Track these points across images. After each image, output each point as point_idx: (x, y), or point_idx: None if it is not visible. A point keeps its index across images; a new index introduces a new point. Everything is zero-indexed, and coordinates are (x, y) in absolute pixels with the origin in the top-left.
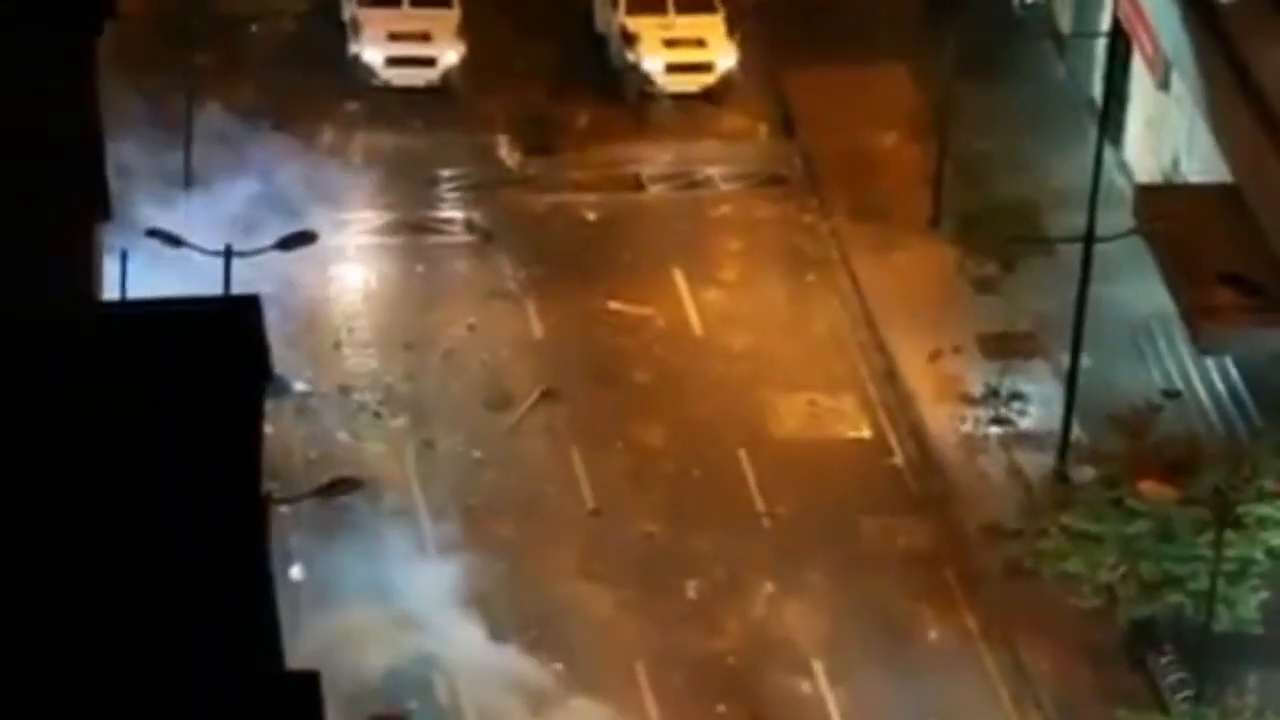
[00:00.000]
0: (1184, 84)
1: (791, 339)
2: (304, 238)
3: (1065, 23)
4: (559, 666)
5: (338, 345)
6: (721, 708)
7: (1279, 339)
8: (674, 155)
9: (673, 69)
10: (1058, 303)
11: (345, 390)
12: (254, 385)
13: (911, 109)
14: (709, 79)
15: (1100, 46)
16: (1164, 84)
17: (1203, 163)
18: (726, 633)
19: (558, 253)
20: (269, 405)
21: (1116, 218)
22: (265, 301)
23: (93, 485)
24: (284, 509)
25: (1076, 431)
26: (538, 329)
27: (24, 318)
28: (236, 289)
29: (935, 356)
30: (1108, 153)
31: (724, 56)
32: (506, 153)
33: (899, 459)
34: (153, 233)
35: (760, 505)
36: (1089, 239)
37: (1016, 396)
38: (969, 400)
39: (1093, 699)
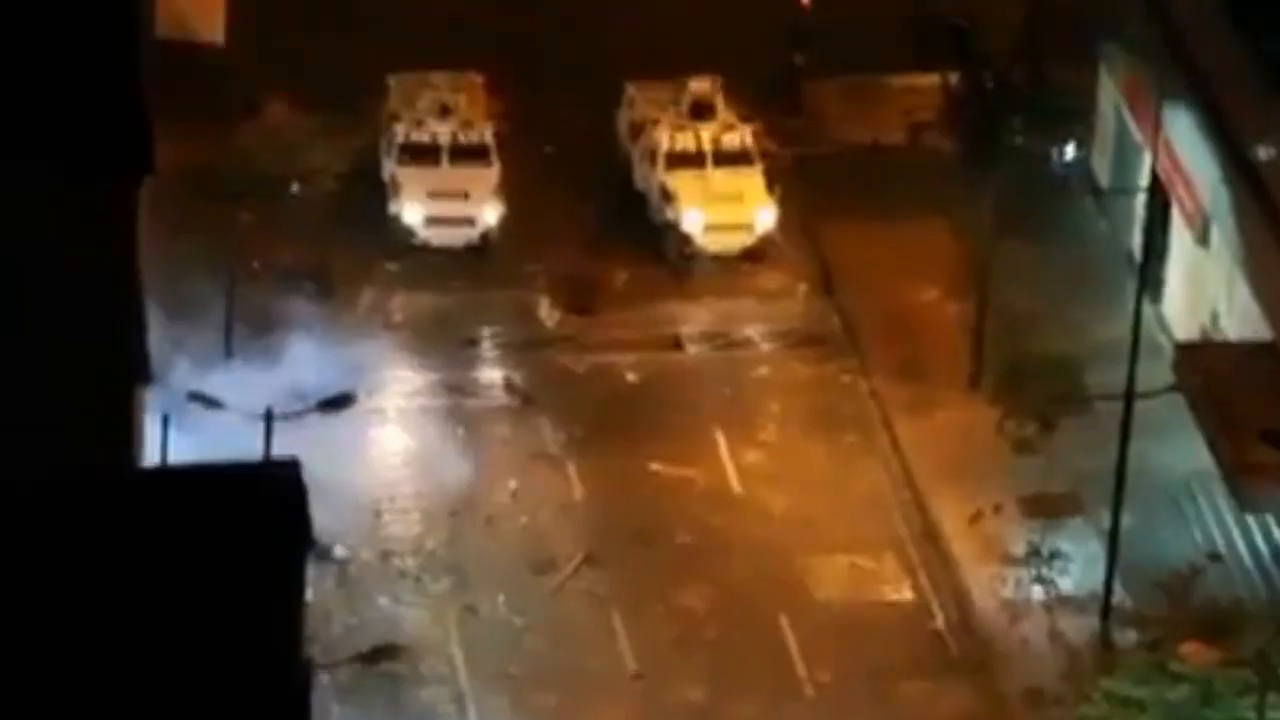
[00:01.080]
0: (1223, 239)
1: (832, 500)
2: (344, 400)
3: (1104, 178)
4: None
5: (379, 512)
6: None
7: None
8: (713, 314)
9: (712, 227)
10: (1098, 461)
11: (386, 555)
12: (294, 551)
13: (951, 265)
14: (748, 237)
15: (1140, 202)
16: (1203, 239)
17: (1242, 319)
18: None
19: (598, 414)
20: (309, 571)
21: (1156, 374)
22: (305, 465)
23: (134, 652)
24: (325, 676)
25: (1119, 593)
26: (579, 491)
27: (65, 482)
28: (277, 452)
29: (976, 517)
30: (1147, 308)
31: (763, 215)
32: (546, 312)
33: (940, 622)
34: (194, 396)
35: (802, 670)
36: (1129, 397)
37: (1058, 556)
38: (1010, 561)
39: None
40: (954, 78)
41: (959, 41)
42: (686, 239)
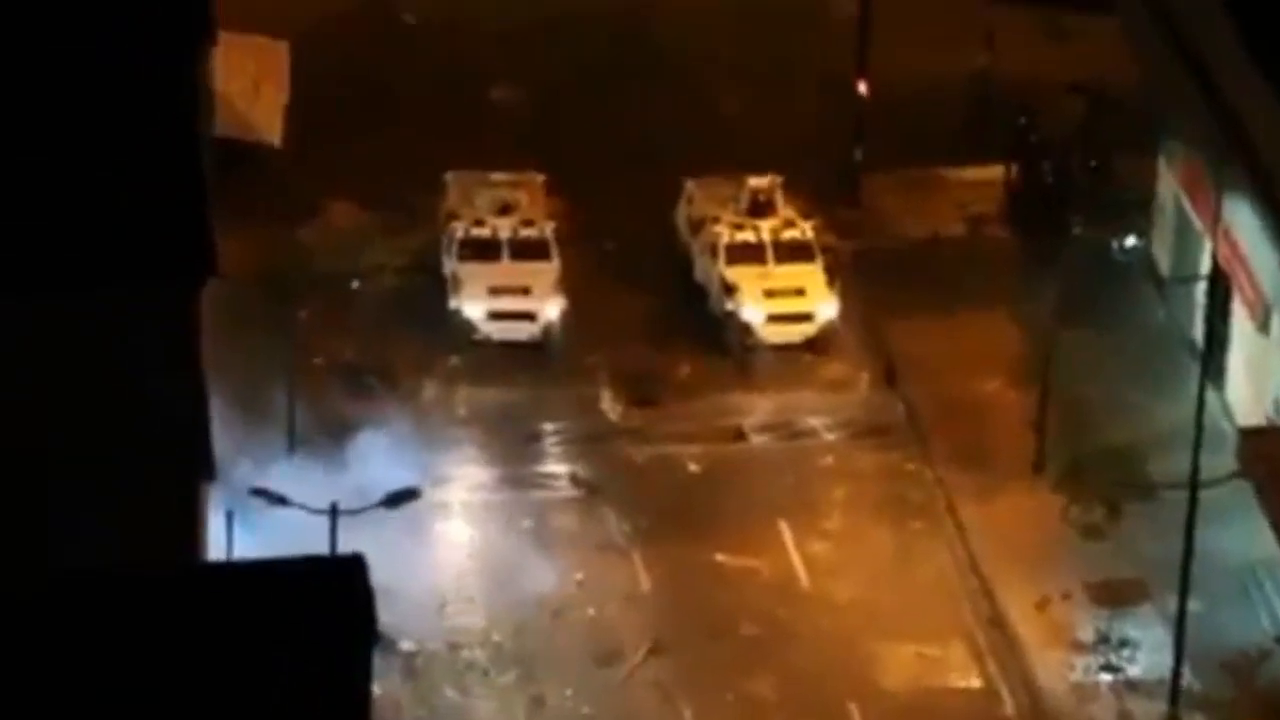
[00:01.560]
0: None
1: (898, 588)
2: (409, 495)
3: (1165, 266)
4: None
5: (445, 605)
6: None
7: None
8: (776, 405)
9: (773, 319)
10: (1164, 547)
11: (453, 648)
12: (361, 645)
13: (1013, 355)
14: (810, 329)
15: (1200, 290)
16: (1264, 326)
17: None
18: None
19: (663, 505)
20: (376, 664)
21: (1221, 461)
22: (370, 560)
23: None
24: None
25: (1187, 678)
26: (645, 582)
27: (133, 576)
28: (342, 548)
29: (1043, 604)
30: (1211, 396)
31: (824, 306)
32: (609, 405)
33: (1010, 709)
34: (258, 492)
35: None
36: (1193, 484)
37: (1126, 643)
38: (1078, 647)
39: None
40: (1013, 170)
41: (1018, 134)
42: (748, 330)
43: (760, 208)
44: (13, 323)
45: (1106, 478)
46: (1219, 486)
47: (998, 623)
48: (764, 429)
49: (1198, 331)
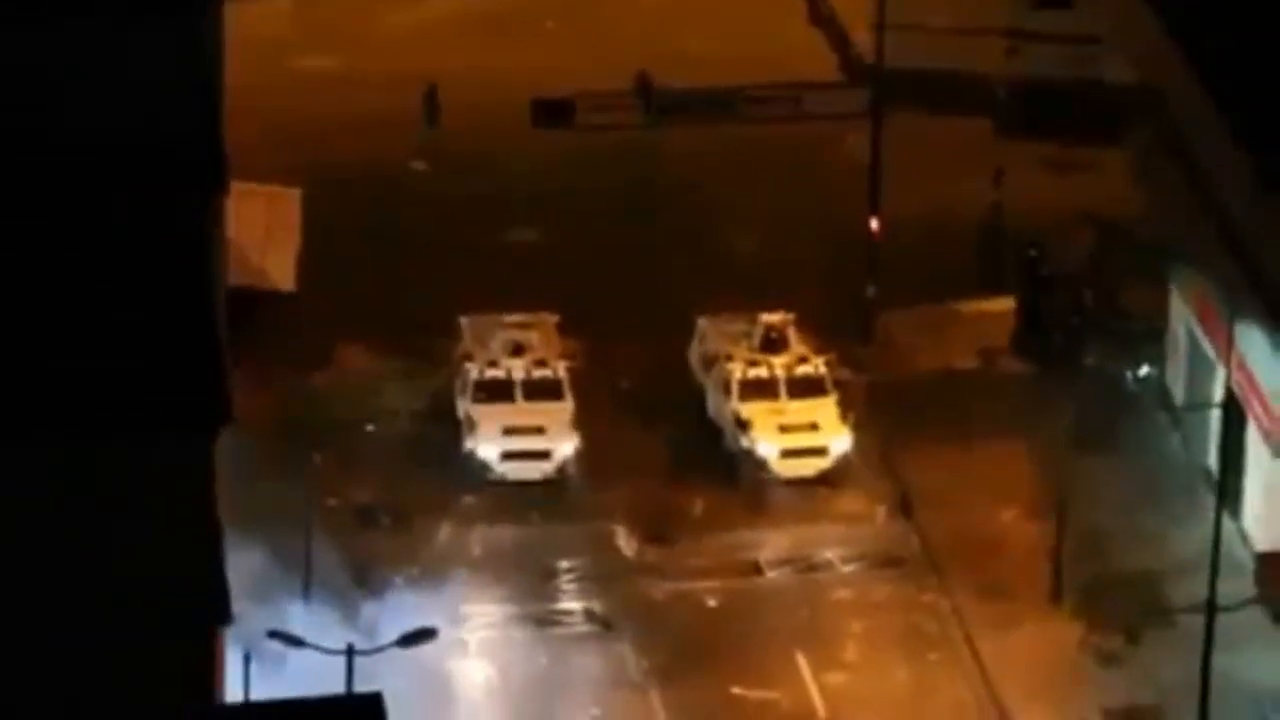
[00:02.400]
0: None
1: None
2: (425, 634)
3: (1178, 394)
4: None
5: None
6: None
7: None
8: (791, 539)
9: (787, 454)
10: (1183, 674)
11: None
12: None
13: (1028, 485)
14: (824, 463)
15: (1214, 417)
16: (1279, 453)
17: None
18: None
19: (679, 641)
20: None
21: (1238, 587)
22: (388, 699)
23: None
24: None
25: None
26: (663, 718)
27: None
28: (359, 688)
29: None
30: (1226, 522)
31: (838, 440)
32: (624, 542)
33: None
34: (274, 634)
35: None
36: (1211, 610)
37: None
38: None
39: None
40: (1025, 302)
41: (1029, 266)
42: (762, 466)
43: (773, 344)
44: (28, 470)
45: (1124, 606)
46: (1236, 612)
47: None
48: (780, 563)
49: (1212, 459)
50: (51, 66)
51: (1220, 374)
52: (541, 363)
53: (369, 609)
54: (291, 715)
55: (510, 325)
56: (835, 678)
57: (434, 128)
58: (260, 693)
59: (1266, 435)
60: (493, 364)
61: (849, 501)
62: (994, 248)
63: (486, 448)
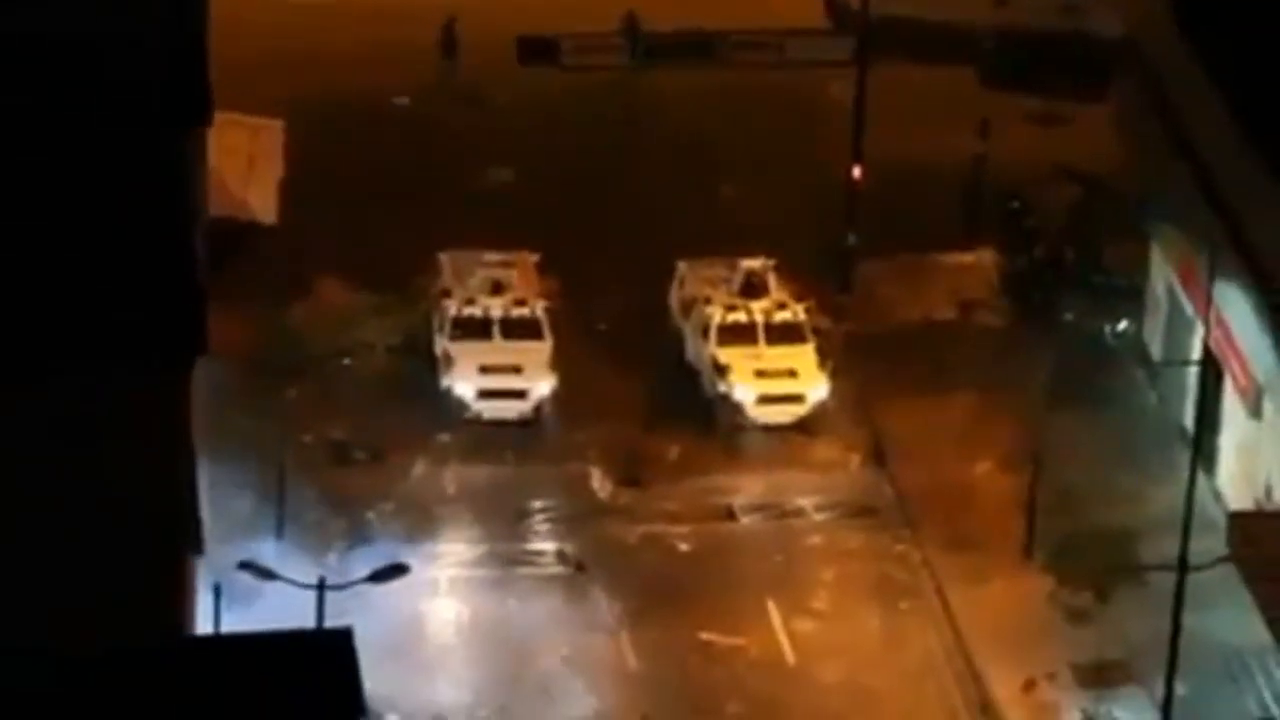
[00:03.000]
0: (1276, 411)
1: (885, 669)
2: (396, 571)
3: (1156, 351)
4: None
5: (432, 681)
6: None
7: None
8: (766, 485)
9: (764, 400)
10: (1152, 631)
11: None
12: (348, 718)
13: (1003, 438)
14: (800, 410)
15: (1192, 374)
16: (1256, 412)
17: None
18: None
19: (651, 584)
20: None
21: (1210, 545)
22: (358, 635)
23: None
24: None
25: None
26: (632, 660)
27: (120, 651)
28: (329, 622)
29: (1029, 686)
30: (1201, 480)
31: (815, 387)
32: (598, 484)
33: None
34: (245, 565)
35: None
36: (1182, 568)
37: None
38: None
39: None
40: (1006, 255)
41: (1011, 219)
42: (739, 411)
43: (753, 289)
44: (2, 400)
45: (1095, 561)
46: (1208, 571)
47: (984, 704)
48: (753, 509)
49: (1188, 416)
50: None
51: (1199, 331)
52: (520, 302)
53: (340, 544)
54: (261, 648)
55: (490, 263)
56: (805, 625)
57: (451, 60)
58: (230, 626)
59: (1243, 394)
60: (471, 301)
61: (824, 449)
62: (976, 200)
63: (463, 385)
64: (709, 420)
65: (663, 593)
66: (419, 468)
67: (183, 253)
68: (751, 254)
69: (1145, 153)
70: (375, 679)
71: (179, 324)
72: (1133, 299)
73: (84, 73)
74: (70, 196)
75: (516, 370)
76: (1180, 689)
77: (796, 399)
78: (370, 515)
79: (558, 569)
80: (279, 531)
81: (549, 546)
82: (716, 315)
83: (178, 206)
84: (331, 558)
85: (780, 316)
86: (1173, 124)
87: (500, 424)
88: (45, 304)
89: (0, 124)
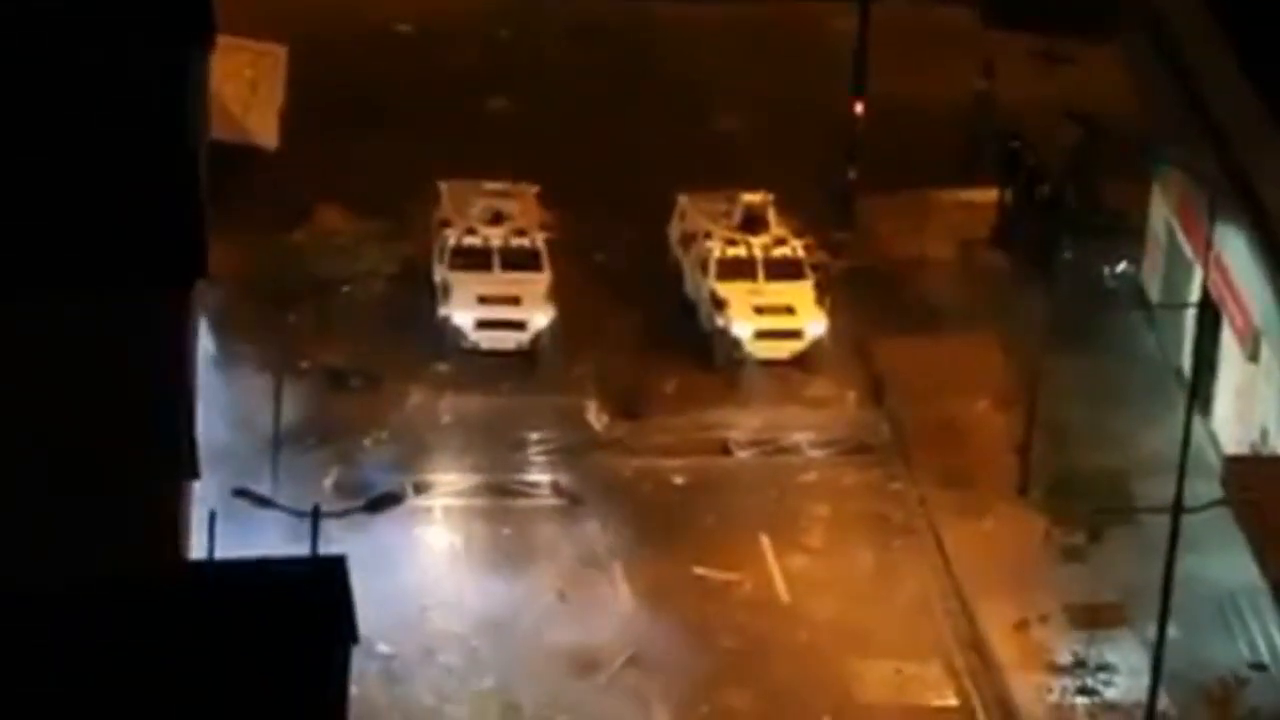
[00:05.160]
0: (1274, 355)
1: (878, 606)
2: (391, 499)
3: (1155, 293)
4: None
5: (424, 609)
6: None
7: None
8: (762, 421)
9: (762, 335)
10: (1145, 573)
11: (430, 652)
12: (339, 647)
13: (1000, 377)
14: (798, 345)
15: (1190, 317)
16: (1253, 355)
17: None
18: None
19: (645, 517)
20: (354, 666)
21: (1205, 488)
22: (351, 563)
23: None
24: None
25: (1163, 703)
26: (624, 593)
27: (112, 578)
28: (324, 550)
29: (1022, 625)
30: (1197, 423)
31: (813, 323)
32: (595, 417)
33: None
34: (240, 492)
35: None
36: (1177, 510)
37: (1103, 667)
38: (1056, 670)
39: None
40: (1006, 194)
41: (1012, 158)
42: (736, 345)
43: (752, 224)
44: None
45: (1089, 502)
46: (1202, 513)
47: (976, 643)
48: (749, 444)
49: (1186, 358)
50: None
51: (1198, 274)
52: (520, 232)
53: (336, 471)
54: (255, 574)
55: (490, 193)
56: (799, 561)
57: None
58: (224, 551)
59: (1240, 337)
60: (471, 231)
61: (821, 386)
62: (979, 138)
63: (461, 315)
64: (706, 354)
65: (657, 527)
66: (415, 396)
67: (184, 174)
68: (752, 188)
69: (1148, 93)
70: (368, 606)
71: (179, 245)
72: (1132, 240)
73: None
74: (71, 119)
75: (515, 301)
76: (1172, 631)
77: (794, 335)
78: (366, 442)
79: (552, 501)
80: (274, 456)
81: (544, 478)
82: (715, 249)
83: (180, 129)
84: (326, 484)
85: (779, 252)
86: (1176, 65)
87: (497, 354)
88: (42, 224)
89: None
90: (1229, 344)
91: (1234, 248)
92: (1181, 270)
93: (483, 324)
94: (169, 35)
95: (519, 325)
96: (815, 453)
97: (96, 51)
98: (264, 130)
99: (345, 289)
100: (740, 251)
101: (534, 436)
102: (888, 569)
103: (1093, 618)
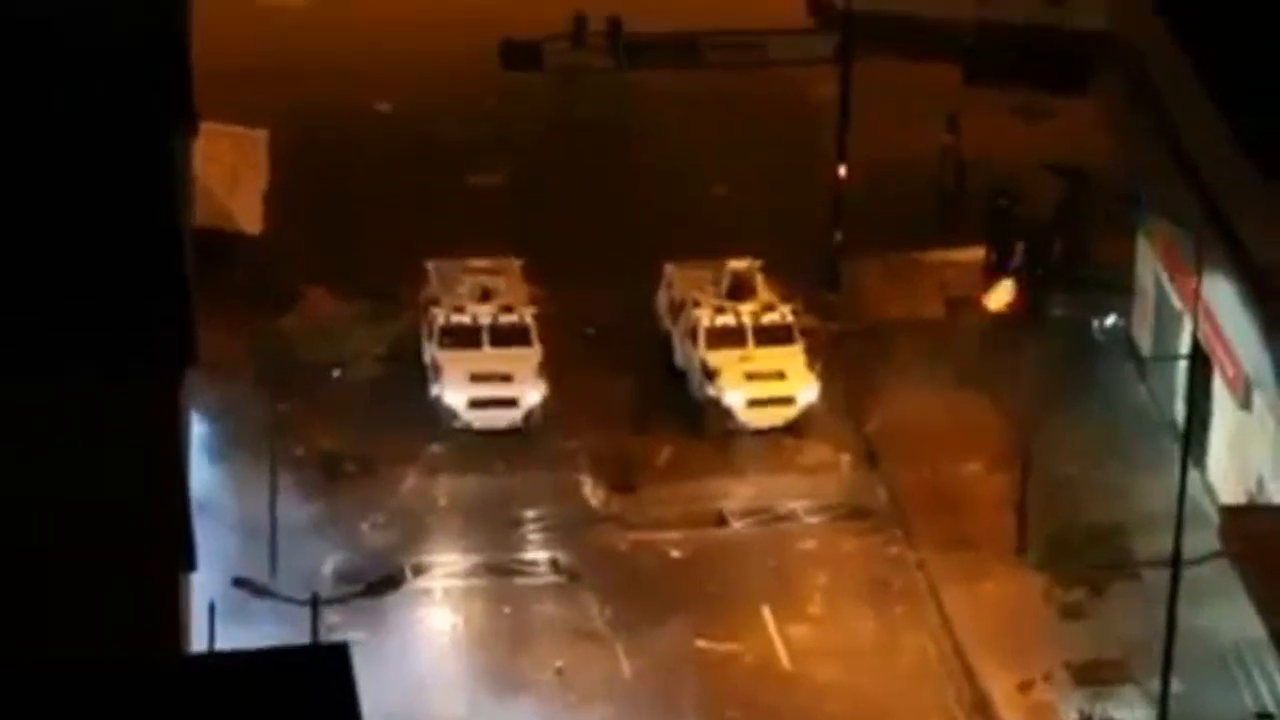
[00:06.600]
0: (1266, 404)
1: (881, 672)
2: (390, 582)
3: (1145, 345)
4: None
5: (425, 690)
6: None
7: None
8: (757, 489)
9: (754, 403)
10: (1146, 627)
11: None
12: None
13: (993, 436)
14: (790, 412)
15: (1181, 368)
16: (1246, 404)
17: None
18: None
19: (644, 591)
20: None
21: (1203, 540)
22: (353, 648)
23: None
24: None
25: None
26: (626, 668)
27: (115, 672)
28: (324, 636)
29: (1026, 686)
30: (1193, 475)
31: (805, 389)
32: (590, 491)
33: None
34: (239, 582)
35: None
36: (1176, 563)
37: None
38: None
39: None
40: (992, 252)
41: (997, 215)
42: (728, 415)
43: (740, 291)
44: None
45: (1088, 558)
46: (1201, 566)
47: (981, 705)
48: (745, 513)
49: (1178, 410)
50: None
51: (1187, 325)
52: (508, 308)
53: (333, 558)
54: (258, 664)
55: (477, 270)
56: (800, 630)
57: (580, 49)
58: (226, 643)
59: (1232, 386)
60: (459, 309)
61: (815, 451)
62: (948, 193)
63: (453, 394)
64: (698, 424)
65: (656, 600)
66: (410, 478)
67: (171, 263)
68: (738, 255)
69: (1131, 145)
70: (370, 690)
71: (168, 335)
72: (1121, 293)
73: (70, 85)
74: (58, 208)
75: (506, 378)
76: (1176, 685)
77: (786, 401)
78: (363, 527)
79: (551, 577)
80: (271, 544)
81: (542, 555)
82: (704, 318)
83: (166, 216)
84: (325, 571)
85: (768, 318)
86: (1157, 116)
87: (490, 433)
88: (32, 314)
89: None
90: (1221, 394)
91: (1222, 297)
92: (1171, 321)
93: (475, 403)
94: (153, 123)
95: (511, 403)
96: (812, 519)
97: (81, 142)
98: (248, 215)
99: (336, 373)
100: (729, 319)
101: (530, 514)
102: (889, 635)
103: (1096, 674)
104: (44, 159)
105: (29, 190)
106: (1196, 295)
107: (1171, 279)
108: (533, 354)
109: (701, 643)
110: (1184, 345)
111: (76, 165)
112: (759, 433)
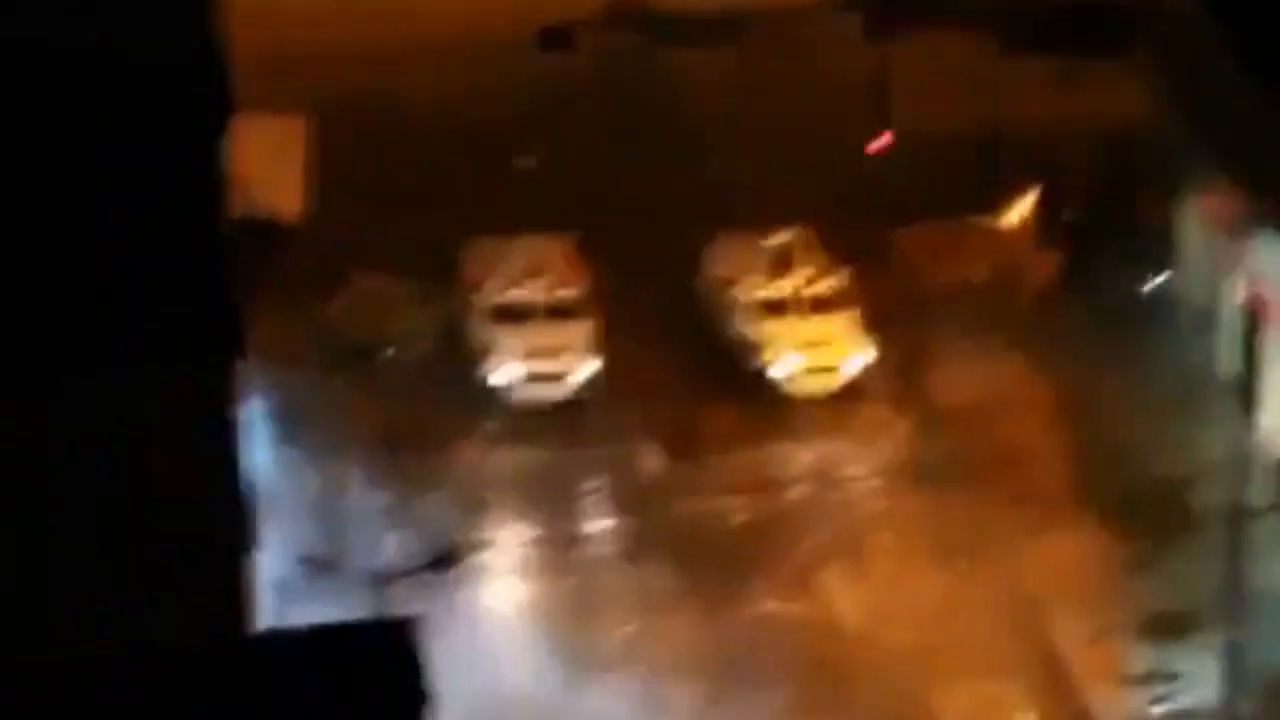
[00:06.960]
0: None
1: (949, 629)
2: (453, 558)
3: (1195, 303)
4: None
5: (493, 664)
6: None
7: None
8: (815, 454)
9: (806, 371)
10: (1211, 580)
11: (503, 707)
12: (414, 708)
13: (1048, 395)
14: (843, 379)
15: (1231, 324)
16: None
17: None
18: None
19: (707, 558)
20: None
21: (1259, 493)
22: (420, 623)
23: None
24: None
25: (1239, 708)
26: (695, 635)
27: (186, 649)
28: (390, 612)
29: (1095, 639)
30: (1246, 428)
31: (857, 356)
32: (646, 462)
33: None
34: (304, 560)
35: None
36: (1238, 513)
37: (1177, 675)
38: (1131, 681)
39: None
40: (1040, 214)
41: (1043, 178)
42: (781, 383)
43: (788, 262)
44: (52, 404)
45: (1151, 512)
46: (1259, 518)
47: (1050, 659)
48: (805, 478)
49: (1231, 365)
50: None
51: (1236, 282)
52: (558, 284)
53: (394, 534)
54: (327, 640)
55: (527, 246)
56: (868, 590)
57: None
58: (291, 620)
59: None
60: (509, 286)
61: (870, 416)
62: (1004, 162)
63: (505, 371)
64: (753, 393)
65: (720, 566)
66: (467, 455)
67: (216, 258)
68: (785, 226)
69: (1172, 104)
70: (438, 666)
71: (214, 327)
72: (1168, 251)
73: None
74: (103, 203)
75: (559, 352)
76: (1242, 635)
77: (838, 368)
78: (424, 504)
79: (612, 548)
80: (335, 522)
81: (602, 526)
82: (753, 288)
83: (209, 207)
84: (388, 547)
85: (816, 287)
86: (1196, 78)
87: (545, 406)
88: (83, 308)
89: (34, 140)
90: (1273, 348)
91: (1269, 253)
92: (1219, 279)
93: (528, 378)
94: (191, 117)
95: (564, 376)
96: (872, 481)
97: (123, 136)
98: (288, 203)
99: (388, 351)
100: (776, 290)
101: (589, 486)
102: (955, 592)
103: (1164, 627)
104: (88, 154)
105: (75, 187)
106: (1242, 250)
107: (1218, 237)
108: (584, 328)
109: (769, 606)
110: (1234, 302)
111: (120, 161)
112: (815, 399)
